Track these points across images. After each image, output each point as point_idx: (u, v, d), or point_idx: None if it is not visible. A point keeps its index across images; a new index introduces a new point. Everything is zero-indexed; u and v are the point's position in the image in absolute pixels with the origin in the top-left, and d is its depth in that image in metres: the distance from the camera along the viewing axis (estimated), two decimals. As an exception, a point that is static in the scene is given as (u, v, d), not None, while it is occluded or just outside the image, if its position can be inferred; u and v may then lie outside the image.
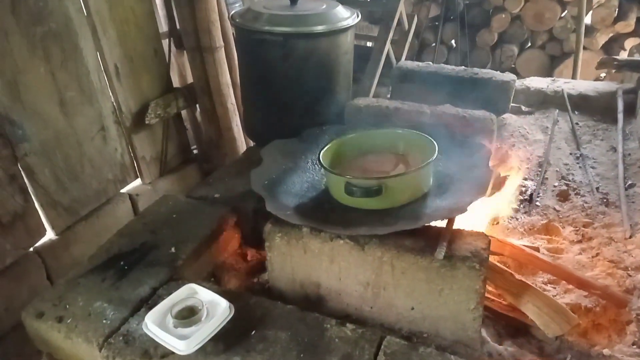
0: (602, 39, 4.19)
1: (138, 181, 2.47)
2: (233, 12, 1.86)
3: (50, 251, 1.99)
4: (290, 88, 1.81)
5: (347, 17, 1.80)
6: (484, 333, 1.31)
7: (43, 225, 1.97)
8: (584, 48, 4.02)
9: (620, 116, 2.35)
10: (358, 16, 1.85)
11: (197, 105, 2.71)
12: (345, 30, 1.78)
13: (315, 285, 1.37)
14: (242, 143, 2.78)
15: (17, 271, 1.86)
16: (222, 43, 2.51)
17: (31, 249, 1.94)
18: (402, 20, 2.97)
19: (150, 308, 1.18)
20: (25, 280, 1.89)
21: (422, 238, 1.25)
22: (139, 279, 1.35)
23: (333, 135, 1.59)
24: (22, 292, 1.86)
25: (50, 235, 2.03)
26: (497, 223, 1.74)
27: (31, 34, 1.82)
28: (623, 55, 4.07)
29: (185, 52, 2.60)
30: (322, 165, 1.37)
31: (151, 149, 2.48)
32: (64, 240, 2.05)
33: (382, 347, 1.14)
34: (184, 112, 2.73)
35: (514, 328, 1.39)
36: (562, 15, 4.24)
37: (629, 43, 4.14)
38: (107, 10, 2.12)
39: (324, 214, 1.34)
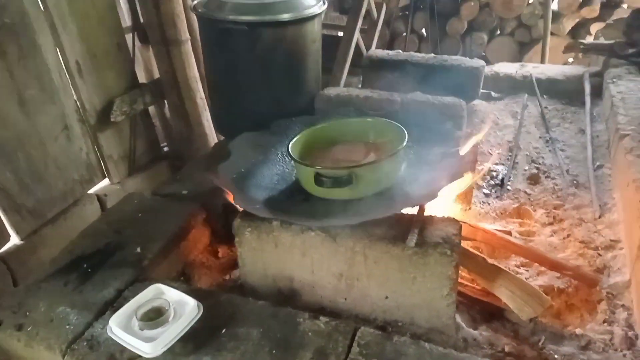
0: (568, 24, 4.25)
1: (106, 181, 2.42)
2: (196, 1, 1.80)
3: (15, 256, 1.93)
4: (258, 79, 1.77)
5: (313, 4, 1.76)
6: (458, 319, 1.31)
7: (6, 230, 1.92)
8: (552, 34, 4.09)
9: (587, 99, 2.38)
10: (324, 3, 1.82)
11: (165, 101, 2.66)
12: (312, 18, 1.75)
13: (288, 280, 1.34)
14: (213, 138, 2.73)
15: (-21, 278, 1.80)
16: (188, 36, 2.45)
17: (-6, 255, 1.87)
18: (371, 8, 2.95)
19: (116, 311, 1.14)
20: (-11, 288, 1.82)
21: (394, 226, 1.24)
22: (103, 281, 1.30)
23: (303, 126, 1.55)
24: (-14, 301, 1.80)
25: (14, 240, 1.97)
26: (469, 209, 1.74)
27: (-17, 29, 1.75)
28: (589, 40, 4.13)
29: (150, 46, 2.54)
30: (291, 157, 1.34)
31: (118, 147, 2.42)
32: (30, 244, 1.99)
33: (356, 338, 1.12)
34: (151, 109, 2.67)
35: (488, 313, 1.39)
36: (530, 1, 4.29)
37: (595, 27, 4.21)
38: (66, 4, 2.05)
39: (294, 206, 1.31)
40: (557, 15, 4.21)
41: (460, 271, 1.28)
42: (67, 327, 1.17)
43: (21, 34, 1.89)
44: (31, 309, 1.24)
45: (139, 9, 2.44)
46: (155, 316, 1.09)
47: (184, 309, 1.11)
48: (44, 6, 1.98)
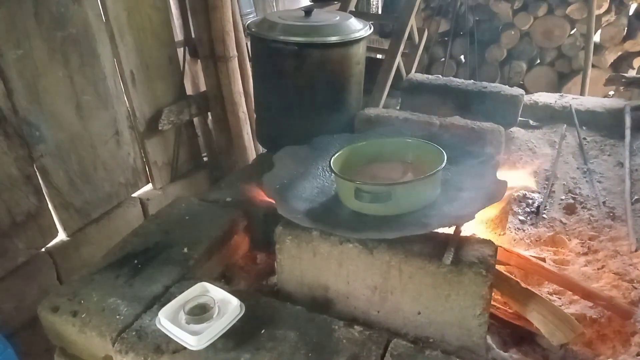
0: (610, 57, 4.21)
1: (149, 186, 2.51)
2: (249, 21, 1.90)
3: (61, 252, 2.02)
4: (303, 96, 1.85)
5: (359, 28, 1.84)
6: (489, 340, 1.32)
7: (55, 226, 2.01)
8: (593, 66, 4.05)
9: (627, 132, 2.37)
10: (370, 28, 1.89)
11: (209, 113, 2.76)
12: (357, 41, 1.82)
13: (323, 289, 1.39)
14: (252, 151, 2.82)
15: (28, 270, 1.89)
16: (235, 53, 2.56)
17: (43, 249, 1.97)
18: (413, 33, 3.02)
19: (163, 305, 1.20)
20: (35, 280, 1.92)
21: (430, 244, 1.28)
22: (152, 277, 1.38)
23: (343, 143, 1.61)
24: (32, 292, 1.89)
25: (61, 236, 2.06)
26: (504, 234, 1.76)
27: (52, 38, 1.87)
28: (632, 74, 4.09)
29: (199, 60, 2.65)
30: (333, 171, 1.39)
31: (163, 154, 2.52)
32: (74, 241, 2.08)
33: (389, 349, 1.16)
34: (195, 120, 2.77)
35: (519, 336, 1.40)
36: (571, 32, 4.28)
37: (638, 61, 4.17)
38: (125, 18, 2.18)
39: (333, 218, 1.36)
40: (599, 48, 4.18)
41: (493, 294, 1.30)
42: (118, 317, 1.25)
43: (83, 44, 2.01)
44: (85, 298, 1.32)
45: (191, 25, 2.57)
46: (200, 312, 1.15)
47: (227, 307, 1.17)
48: (106, 18, 2.11)
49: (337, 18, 1.85)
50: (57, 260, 2.01)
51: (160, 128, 2.39)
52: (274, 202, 1.37)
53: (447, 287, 1.23)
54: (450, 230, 1.33)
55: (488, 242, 1.31)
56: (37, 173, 1.90)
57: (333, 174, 1.41)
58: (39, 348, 1.68)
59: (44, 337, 1.40)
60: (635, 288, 1.55)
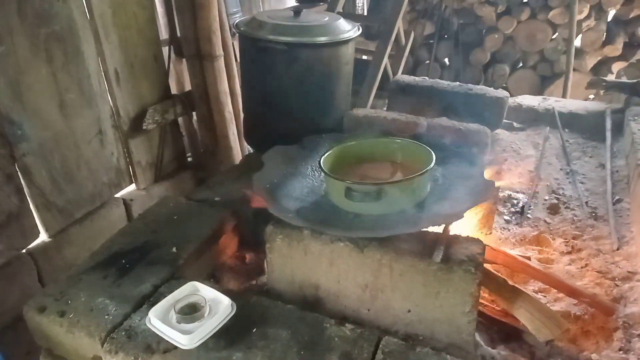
0: (591, 61, 4.31)
1: (133, 186, 2.48)
2: (237, 20, 1.90)
3: (42, 253, 1.99)
4: (292, 96, 1.85)
5: (349, 29, 1.85)
6: (477, 337, 1.34)
7: (37, 226, 1.97)
8: (574, 69, 4.14)
9: (608, 134, 2.43)
10: (359, 29, 1.90)
11: (194, 113, 2.74)
12: (347, 42, 1.83)
13: (314, 287, 1.39)
14: (237, 152, 2.80)
15: (8, 272, 1.85)
16: (222, 52, 2.55)
17: (24, 250, 1.93)
18: (400, 36, 3.05)
19: (152, 305, 1.19)
20: (16, 282, 1.88)
21: (420, 242, 1.29)
22: (140, 276, 1.36)
23: (332, 143, 1.62)
24: (13, 294, 1.85)
25: (43, 237, 2.02)
26: (490, 233, 1.78)
27: (35, 35, 1.84)
28: (611, 78, 4.19)
29: (184, 59, 2.63)
30: (323, 171, 1.40)
31: (147, 154, 2.49)
32: (56, 242, 2.05)
33: (381, 346, 1.17)
34: (180, 119, 2.75)
35: (506, 333, 1.42)
36: (554, 37, 4.36)
37: (617, 66, 4.27)
38: (110, 15, 2.15)
39: (324, 217, 1.36)
40: (579, 52, 4.27)
41: (481, 291, 1.31)
42: (106, 317, 1.23)
43: (68, 41, 1.98)
44: (72, 298, 1.29)
45: (177, 23, 2.55)
46: (191, 311, 1.14)
47: (218, 306, 1.16)
48: (90, 16, 2.07)
49: (327, 19, 1.86)
50: (39, 262, 1.97)
51: (144, 127, 2.36)
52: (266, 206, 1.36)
53: (437, 285, 1.24)
54: (439, 229, 1.35)
55: (476, 241, 1.32)
56: (19, 172, 1.86)
57: (323, 174, 1.41)
58: (20, 351, 1.65)
59: (26, 340, 1.37)
60: (617, 285, 1.58)
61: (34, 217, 1.95)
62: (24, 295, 1.75)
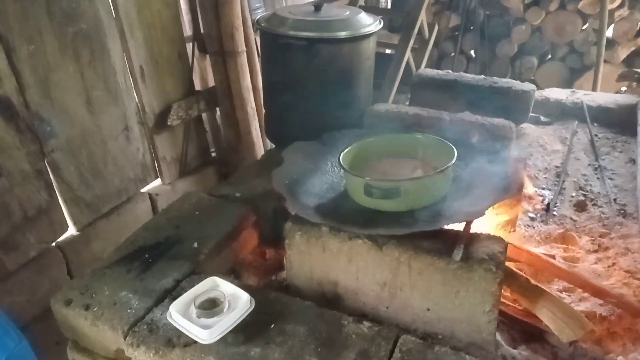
0: (623, 52, 4.16)
1: (158, 181, 2.53)
2: (259, 16, 1.90)
3: (71, 246, 2.04)
4: (313, 91, 1.85)
5: (369, 23, 1.83)
6: (498, 337, 1.32)
7: (65, 220, 2.03)
8: (605, 61, 4.00)
9: (639, 129, 2.35)
10: (380, 23, 1.89)
11: (218, 109, 2.77)
12: (368, 36, 1.82)
13: (332, 284, 1.39)
14: (260, 147, 2.82)
15: (39, 264, 1.92)
16: (244, 48, 2.56)
17: (53, 244, 1.99)
18: (423, 29, 3.01)
19: (174, 299, 1.21)
20: (46, 274, 1.94)
21: (440, 240, 1.27)
22: (163, 271, 1.39)
23: (353, 139, 1.61)
24: (43, 285, 1.91)
25: (71, 230, 2.08)
26: (514, 230, 1.75)
27: (63, 33, 1.89)
28: (644, 70, 4.05)
29: (207, 56, 2.66)
30: (342, 167, 1.39)
31: (172, 150, 2.53)
32: (84, 236, 2.10)
33: (398, 344, 1.16)
34: (204, 115, 2.78)
35: (528, 333, 1.40)
36: (583, 28, 4.23)
37: (651, 58, 4.13)
38: (135, 13, 2.19)
39: (343, 214, 1.36)
40: (611, 43, 4.13)
41: (502, 290, 1.29)
42: (129, 310, 1.26)
43: (94, 39, 2.03)
44: (97, 292, 1.33)
45: (200, 20, 2.58)
46: (211, 306, 1.16)
47: (237, 302, 1.18)
48: (116, 14, 2.12)
49: (347, 13, 1.85)
50: (68, 255, 2.03)
51: (169, 123, 2.40)
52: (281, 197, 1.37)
53: (457, 284, 1.23)
54: (460, 227, 1.33)
55: (498, 239, 1.30)
56: (48, 168, 1.92)
57: (342, 170, 1.41)
58: (50, 341, 1.70)
59: (55, 330, 1.41)
60: (646, 286, 1.54)
61: (62, 211, 2.01)
62: (54, 287, 1.80)
